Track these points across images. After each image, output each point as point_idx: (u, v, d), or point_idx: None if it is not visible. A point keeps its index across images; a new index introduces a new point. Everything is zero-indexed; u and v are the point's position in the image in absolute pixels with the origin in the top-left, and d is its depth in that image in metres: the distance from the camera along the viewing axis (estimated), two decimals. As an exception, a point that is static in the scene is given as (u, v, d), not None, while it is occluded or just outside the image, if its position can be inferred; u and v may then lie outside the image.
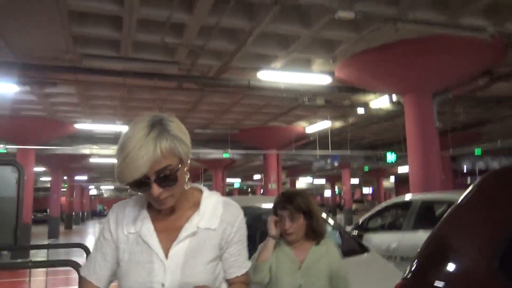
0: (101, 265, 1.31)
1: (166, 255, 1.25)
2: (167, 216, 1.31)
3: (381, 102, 10.32)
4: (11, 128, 12.37)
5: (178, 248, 1.26)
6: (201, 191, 1.37)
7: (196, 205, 1.33)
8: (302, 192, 2.32)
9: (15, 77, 7.96)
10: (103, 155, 17.74)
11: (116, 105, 11.30)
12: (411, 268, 1.57)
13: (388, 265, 3.46)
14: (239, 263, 1.36)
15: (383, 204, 6.94)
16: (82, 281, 1.34)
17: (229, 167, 24.49)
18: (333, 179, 37.63)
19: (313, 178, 37.91)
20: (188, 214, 1.31)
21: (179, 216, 1.31)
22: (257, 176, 30.64)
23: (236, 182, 34.00)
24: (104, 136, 15.86)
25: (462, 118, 12.68)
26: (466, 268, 1.40)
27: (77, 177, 29.01)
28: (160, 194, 1.19)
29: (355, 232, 6.32)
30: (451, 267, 1.45)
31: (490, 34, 6.07)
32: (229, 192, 40.84)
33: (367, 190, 55.52)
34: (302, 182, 42.37)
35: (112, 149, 16.53)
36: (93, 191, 48.82)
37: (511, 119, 12.37)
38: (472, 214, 1.54)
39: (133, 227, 1.30)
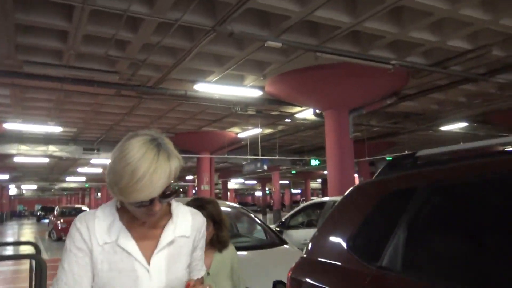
0: (81, 275, 1.26)
1: (148, 263, 1.28)
2: (141, 226, 1.32)
3: (306, 113, 11.42)
4: None
5: (160, 256, 1.30)
6: (169, 203, 1.39)
7: (167, 214, 1.36)
8: (214, 200, 2.35)
9: None
10: (29, 155, 17.24)
11: (50, 107, 11.31)
12: (306, 249, 2.39)
13: (300, 253, 4.35)
14: (199, 267, 1.46)
15: (302, 205, 7.94)
16: None
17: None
18: (264, 180, 38.95)
19: (244, 180, 39.04)
20: (161, 223, 1.35)
21: (152, 225, 1.34)
22: (189, 177, 30.99)
23: (168, 182, 34.02)
24: (33, 136, 15.53)
25: (377, 129, 14.24)
26: (332, 248, 2.25)
27: (-3, 176, 27.46)
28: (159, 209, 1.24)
29: (278, 229, 7.23)
30: (325, 246, 2.30)
31: (393, 65, 7.26)
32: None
33: (296, 191, 57.84)
34: (234, 183, 43.38)
35: (41, 150, 16.21)
36: (13, 191, 45.99)
37: (417, 131, 14.15)
38: (339, 212, 2.41)
39: (108, 237, 1.28)
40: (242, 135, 15.16)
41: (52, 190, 50.69)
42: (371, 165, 24.02)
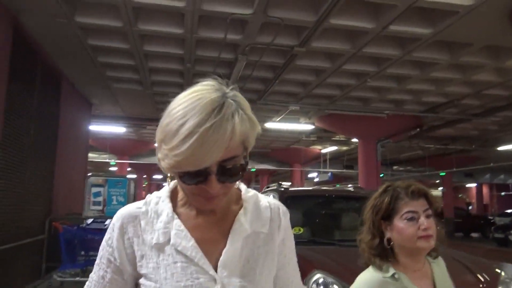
0: None
1: (215, 269, 0.91)
2: (204, 217, 0.96)
3: (359, 138, 14.76)
4: (113, 145, 18.48)
5: (230, 258, 0.93)
6: (238, 188, 1.04)
7: (237, 203, 1.02)
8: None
9: (122, 124, 13.62)
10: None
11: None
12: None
13: None
14: (293, 278, 1.07)
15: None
16: None
17: (274, 174, 29.54)
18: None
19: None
20: (230, 215, 0.98)
21: (219, 217, 0.98)
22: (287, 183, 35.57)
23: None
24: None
25: (433, 149, 16.63)
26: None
27: (154, 176, 35.63)
28: (217, 191, 0.87)
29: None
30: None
31: (386, 114, 10.50)
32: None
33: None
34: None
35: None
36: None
37: (465, 151, 16.11)
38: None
39: (160, 236, 0.94)
40: (324, 150, 18.92)
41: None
42: (467, 176, 25.33)
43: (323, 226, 4.42)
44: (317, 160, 20.03)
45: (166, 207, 0.98)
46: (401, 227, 1.42)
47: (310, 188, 7.01)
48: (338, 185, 21.99)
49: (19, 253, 6.32)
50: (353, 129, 12.24)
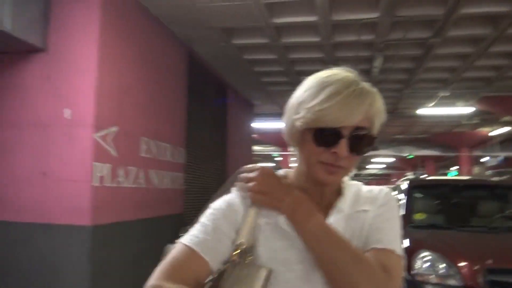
0: (217, 246, 0.96)
1: None
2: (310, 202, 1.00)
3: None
4: (276, 138, 20.31)
5: None
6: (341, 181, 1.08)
7: (339, 193, 1.07)
8: None
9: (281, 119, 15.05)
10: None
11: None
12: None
13: None
14: (382, 235, 0.99)
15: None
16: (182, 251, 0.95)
17: (441, 160, 27.84)
18: None
19: None
20: (332, 201, 1.05)
21: (323, 204, 1.04)
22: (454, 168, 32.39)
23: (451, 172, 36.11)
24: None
25: None
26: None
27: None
28: (343, 158, 0.92)
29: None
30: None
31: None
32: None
33: None
34: None
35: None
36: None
37: None
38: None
39: (270, 215, 0.99)
40: (493, 133, 17.27)
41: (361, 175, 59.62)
42: None
43: (445, 212, 4.76)
44: (487, 144, 18.39)
45: None
46: None
47: (437, 178, 7.14)
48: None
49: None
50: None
